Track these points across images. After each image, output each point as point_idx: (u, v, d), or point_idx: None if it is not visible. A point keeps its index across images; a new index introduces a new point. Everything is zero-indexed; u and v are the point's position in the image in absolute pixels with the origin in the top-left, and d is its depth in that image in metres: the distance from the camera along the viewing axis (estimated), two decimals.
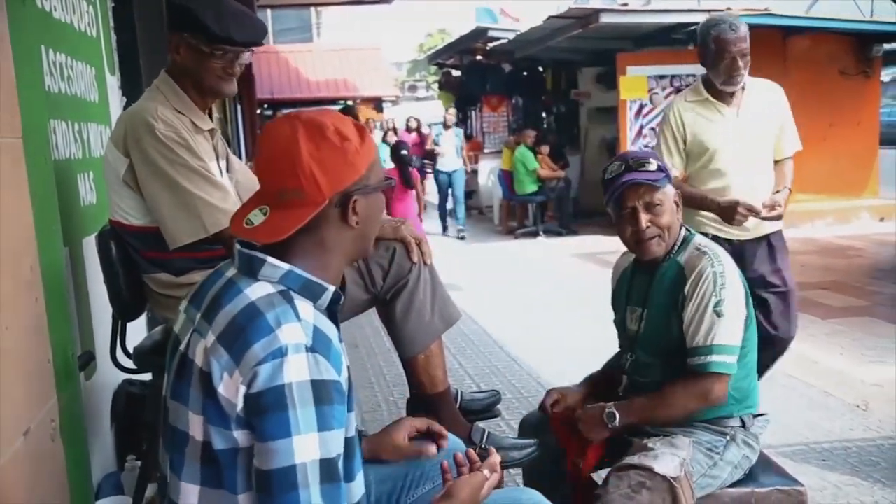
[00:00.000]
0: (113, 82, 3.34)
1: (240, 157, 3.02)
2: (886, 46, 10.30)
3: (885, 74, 10.80)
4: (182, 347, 1.38)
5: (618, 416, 2.09)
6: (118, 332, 2.41)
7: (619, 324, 2.34)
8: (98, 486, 2.48)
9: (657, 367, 2.18)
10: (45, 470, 1.71)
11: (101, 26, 3.15)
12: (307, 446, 1.24)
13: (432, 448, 1.70)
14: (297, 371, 1.24)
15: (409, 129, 15.04)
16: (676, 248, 2.17)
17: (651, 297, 2.19)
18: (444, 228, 11.59)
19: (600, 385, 2.37)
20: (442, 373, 2.34)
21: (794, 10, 10.12)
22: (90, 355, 2.44)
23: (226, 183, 2.29)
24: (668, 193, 2.14)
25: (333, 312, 1.40)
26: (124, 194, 2.20)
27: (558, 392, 2.32)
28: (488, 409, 2.54)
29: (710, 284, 2.05)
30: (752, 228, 3.17)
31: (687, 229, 2.23)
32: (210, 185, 2.16)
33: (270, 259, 1.35)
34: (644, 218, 2.12)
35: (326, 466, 1.26)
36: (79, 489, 1.90)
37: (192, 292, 1.46)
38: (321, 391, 1.26)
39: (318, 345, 1.29)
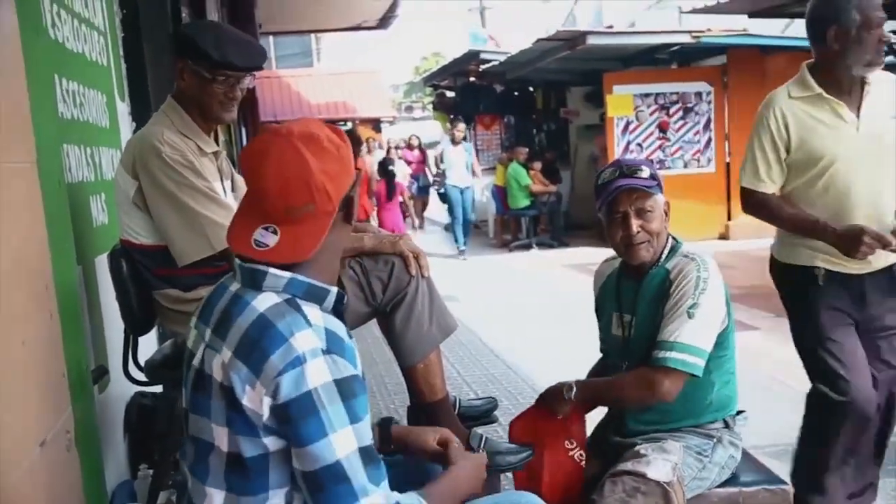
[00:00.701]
0: (123, 108, 3.44)
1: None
2: None
3: None
4: (196, 363, 1.43)
5: (575, 388, 2.15)
6: (130, 347, 2.49)
7: (604, 329, 2.38)
8: (112, 494, 2.54)
9: None
10: (61, 479, 1.77)
11: (112, 55, 3.26)
12: (345, 440, 1.32)
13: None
14: (318, 375, 1.31)
15: (410, 147, 15.59)
16: (664, 256, 2.20)
17: (639, 304, 2.21)
18: (462, 252, 10.63)
19: None
20: (440, 381, 2.41)
21: (771, 29, 10.37)
22: (103, 369, 2.52)
23: (230, 202, 2.38)
24: (658, 201, 2.18)
25: (339, 312, 1.45)
26: (134, 215, 2.28)
27: None
28: (485, 415, 2.60)
29: (691, 287, 2.08)
30: (875, 259, 2.45)
31: (674, 238, 2.26)
32: (215, 204, 2.24)
33: (272, 270, 1.38)
34: (635, 223, 2.14)
35: (365, 452, 1.34)
36: (93, 496, 1.97)
37: (200, 308, 1.50)
38: (345, 388, 1.33)
39: (333, 345, 1.35)
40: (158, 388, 2.61)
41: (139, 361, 2.51)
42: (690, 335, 2.06)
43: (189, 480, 1.46)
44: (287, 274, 1.39)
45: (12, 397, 1.51)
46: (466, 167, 10.73)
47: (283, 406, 1.30)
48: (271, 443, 1.34)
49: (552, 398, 2.22)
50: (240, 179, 2.60)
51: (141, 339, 2.56)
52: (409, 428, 1.87)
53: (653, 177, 2.18)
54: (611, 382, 2.22)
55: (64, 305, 1.86)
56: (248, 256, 1.40)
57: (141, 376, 2.48)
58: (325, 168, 1.37)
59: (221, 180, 2.41)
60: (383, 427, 1.82)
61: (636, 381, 2.12)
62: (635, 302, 2.23)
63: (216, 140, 2.54)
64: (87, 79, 2.79)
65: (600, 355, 2.51)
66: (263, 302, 1.37)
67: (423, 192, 14.86)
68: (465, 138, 11.15)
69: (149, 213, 2.26)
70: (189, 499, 1.46)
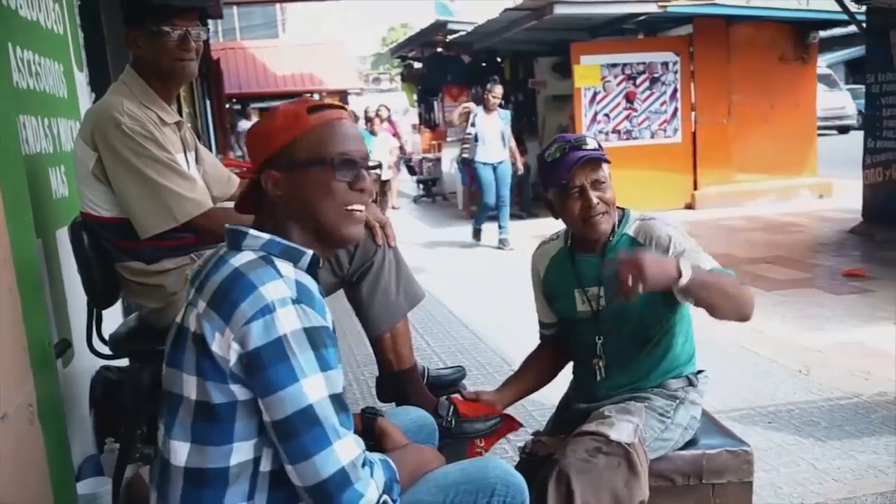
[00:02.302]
0: (81, 78, 3.37)
1: (210, 150, 3.06)
2: (822, 33, 10.91)
3: (822, 60, 11.30)
4: (179, 319, 1.47)
5: (683, 265, 1.89)
6: (94, 320, 2.47)
7: (566, 309, 2.32)
8: (79, 468, 2.53)
9: (629, 335, 2.20)
10: (24, 452, 1.75)
11: (68, 23, 3.18)
12: (316, 386, 1.34)
13: None
14: (288, 322, 1.33)
15: (380, 119, 13.79)
16: (617, 224, 2.20)
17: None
18: (477, 234, 8.96)
19: (529, 381, 2.43)
20: (408, 350, 2.42)
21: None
22: (67, 343, 2.49)
23: (194, 174, 2.35)
24: (607, 170, 2.16)
25: (314, 273, 1.49)
26: (94, 187, 2.25)
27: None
28: (454, 383, 2.62)
29: (667, 240, 2.10)
30: None
31: (620, 208, 2.24)
32: (177, 175, 2.22)
33: (252, 231, 1.46)
34: (594, 195, 2.11)
35: (336, 399, 1.37)
36: (59, 470, 1.96)
37: (194, 273, 1.55)
38: (315, 337, 1.35)
39: (303, 296, 1.38)
40: (124, 362, 2.59)
41: (103, 335, 2.49)
42: (702, 262, 2.04)
43: (161, 437, 1.47)
44: (266, 235, 1.46)
45: None
46: (503, 140, 8.63)
47: (253, 353, 1.32)
48: (239, 391, 1.36)
49: (658, 267, 1.86)
50: (205, 151, 2.58)
51: (105, 313, 2.53)
52: (393, 430, 1.82)
53: (599, 146, 2.17)
54: (724, 280, 1.99)
55: (23, 279, 1.83)
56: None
57: (106, 350, 2.47)
58: (254, 130, 1.55)
59: (185, 151, 2.38)
60: (367, 418, 1.81)
61: (743, 287, 2.02)
62: (600, 272, 2.21)
63: (179, 112, 2.50)
64: (42, 48, 2.73)
65: (544, 336, 2.49)
66: (240, 259, 1.42)
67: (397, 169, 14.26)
68: (501, 104, 8.82)
69: (109, 186, 2.23)
70: (160, 456, 1.47)
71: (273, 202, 1.50)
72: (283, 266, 1.42)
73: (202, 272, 1.49)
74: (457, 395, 2.36)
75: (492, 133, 8.52)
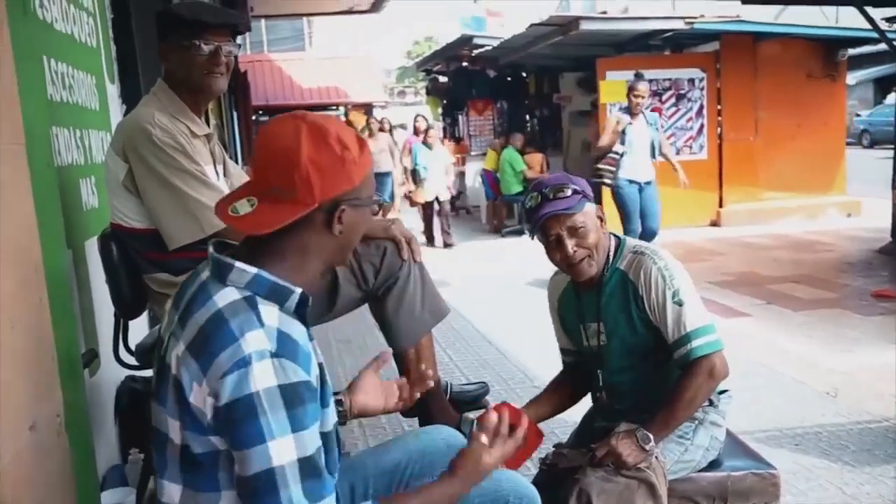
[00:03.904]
0: (113, 90, 3.42)
1: (236, 162, 3.09)
2: (851, 51, 10.80)
3: (851, 78, 11.17)
4: (161, 351, 1.41)
5: (651, 436, 2.04)
6: (120, 331, 2.49)
7: (576, 342, 2.36)
8: (103, 478, 2.54)
9: (630, 370, 2.22)
10: (51, 463, 1.76)
11: (101, 37, 3.23)
12: (283, 449, 1.27)
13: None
14: (262, 378, 1.26)
15: (416, 131, 12.37)
16: (612, 257, 2.20)
17: (605, 309, 2.21)
18: None
19: (548, 406, 2.42)
20: (432, 365, 2.42)
21: (764, 16, 10.48)
22: (93, 353, 2.51)
23: (222, 186, 2.37)
24: (588, 213, 2.15)
25: (302, 314, 1.40)
26: (124, 198, 2.27)
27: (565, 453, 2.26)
28: (477, 399, 2.61)
29: (660, 279, 2.09)
30: None
31: (616, 237, 2.25)
32: (206, 187, 2.23)
33: (238, 264, 1.36)
34: (570, 243, 2.13)
35: (305, 464, 1.28)
36: (84, 480, 1.97)
37: (176, 293, 1.49)
38: (290, 394, 1.28)
39: (283, 348, 1.30)
40: (149, 373, 2.60)
41: (130, 345, 2.51)
42: (695, 318, 2.08)
43: (156, 473, 1.44)
44: (253, 270, 1.36)
45: (1, 382, 1.50)
46: (653, 150, 6.65)
47: (225, 407, 1.27)
48: (218, 442, 1.31)
49: (629, 450, 2.03)
50: (232, 164, 2.59)
51: (132, 323, 2.55)
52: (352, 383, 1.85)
53: (576, 191, 2.15)
54: (674, 406, 2.07)
55: (53, 289, 1.85)
56: (218, 242, 1.42)
57: (131, 360, 2.48)
58: (317, 158, 1.34)
59: (214, 164, 2.40)
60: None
61: (694, 384, 2.05)
62: (599, 309, 2.23)
63: (208, 124, 2.52)
64: (76, 60, 2.76)
65: (565, 363, 2.50)
66: (224, 297, 1.34)
67: None
68: (651, 108, 7.15)
69: (139, 197, 2.25)
70: (157, 496, 1.44)
71: (318, 236, 1.40)
72: (267, 311, 1.33)
73: (184, 296, 1.42)
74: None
75: (639, 144, 6.56)
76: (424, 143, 10.63)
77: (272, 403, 1.26)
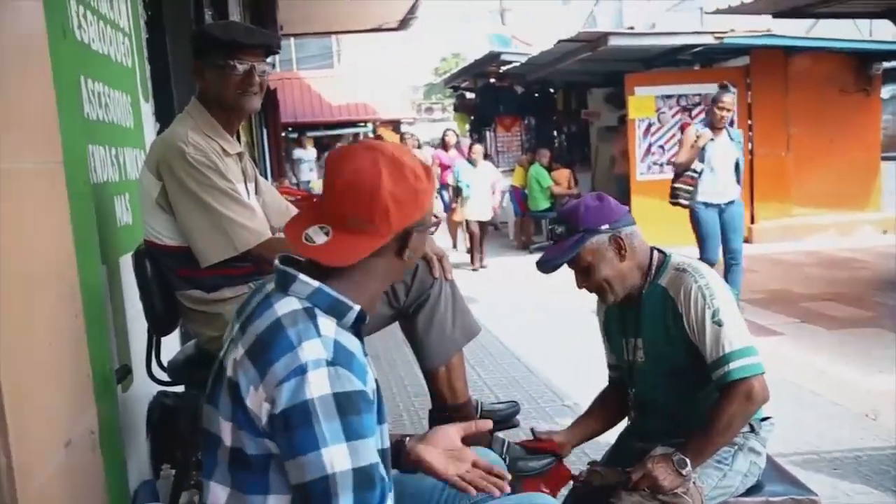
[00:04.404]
0: (147, 109, 3.46)
1: (266, 179, 3.11)
2: (886, 64, 10.58)
3: (885, 91, 10.96)
4: (222, 354, 1.45)
5: (688, 461, 2.00)
6: (153, 347, 2.50)
7: (617, 354, 2.35)
8: (134, 493, 2.55)
9: (664, 388, 2.20)
10: (86, 479, 1.77)
11: (136, 56, 3.28)
12: (338, 457, 1.27)
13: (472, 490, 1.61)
14: (318, 386, 1.28)
15: (445, 146, 11.55)
16: (654, 272, 2.18)
17: (643, 325, 2.20)
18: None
19: (596, 423, 2.40)
20: (463, 384, 2.41)
21: (795, 30, 10.34)
22: (127, 369, 2.53)
23: (253, 204, 2.38)
24: (596, 248, 2.12)
25: (358, 330, 1.43)
26: (158, 215, 2.29)
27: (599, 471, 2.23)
28: (508, 419, 2.59)
29: (700, 298, 2.06)
30: None
31: (661, 252, 2.22)
32: (238, 205, 2.24)
33: (301, 276, 1.39)
34: (578, 279, 2.18)
35: (361, 473, 1.29)
36: (116, 496, 1.98)
37: (241, 303, 1.52)
38: (345, 403, 1.29)
39: (339, 358, 1.32)
40: (181, 388, 2.62)
41: (162, 361, 2.52)
42: (735, 339, 2.03)
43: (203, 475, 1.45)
44: (315, 283, 1.39)
45: (38, 398, 1.52)
46: (737, 170, 6.02)
47: (280, 415, 1.29)
48: (272, 445, 1.33)
49: (665, 475, 2.00)
50: (263, 182, 2.61)
51: (164, 340, 2.57)
52: (423, 435, 1.72)
53: (574, 230, 2.12)
54: (711, 431, 2.03)
55: (89, 306, 1.87)
56: (294, 249, 1.43)
57: (164, 376, 2.50)
58: (395, 192, 1.38)
59: (245, 182, 2.41)
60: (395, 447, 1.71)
61: (731, 409, 2.01)
62: (638, 324, 2.22)
63: (238, 141, 2.54)
64: (112, 80, 2.81)
65: (611, 377, 2.48)
66: (284, 307, 1.37)
67: None
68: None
69: (172, 214, 2.27)
70: (202, 497, 1.46)
71: (386, 261, 1.44)
72: (325, 323, 1.36)
73: (247, 308, 1.45)
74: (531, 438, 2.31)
75: (721, 162, 5.91)
76: (468, 159, 10.00)
77: (326, 411, 1.28)
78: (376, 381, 1.42)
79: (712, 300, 2.06)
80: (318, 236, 1.39)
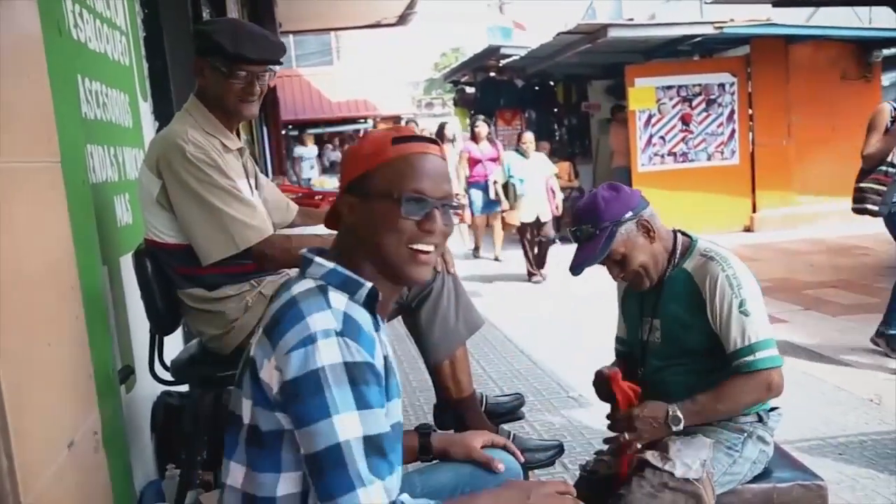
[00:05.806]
0: (145, 108, 3.45)
1: (266, 176, 3.10)
2: (886, 51, 10.56)
3: (885, 79, 10.92)
4: (252, 340, 1.47)
5: (682, 419, 2.03)
6: (156, 346, 2.49)
7: (630, 331, 2.34)
8: (140, 493, 2.55)
9: (674, 372, 2.18)
10: (90, 480, 1.76)
11: (134, 55, 3.27)
12: (349, 424, 1.29)
13: (501, 464, 1.72)
14: (328, 355, 1.30)
15: (475, 137, 9.44)
16: (679, 256, 2.18)
17: (663, 307, 2.19)
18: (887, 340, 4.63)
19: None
20: (467, 378, 2.40)
21: (796, 18, 10.30)
22: (129, 369, 2.52)
23: (255, 200, 2.37)
24: (627, 237, 2.11)
25: (371, 307, 1.44)
26: (158, 214, 2.28)
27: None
28: (512, 411, 2.59)
29: (727, 288, 2.05)
30: None
31: (687, 235, 2.22)
32: (239, 202, 2.23)
33: (318, 259, 1.46)
34: (615, 272, 2.18)
35: (371, 441, 1.30)
36: (121, 497, 1.97)
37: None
38: (354, 372, 1.31)
39: (348, 329, 1.35)
40: (184, 388, 2.62)
41: (165, 361, 2.52)
42: (761, 331, 2.04)
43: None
44: (330, 264, 1.45)
45: (40, 399, 1.51)
46: None
47: (290, 383, 1.31)
48: (284, 420, 1.34)
49: (649, 424, 2.05)
50: (263, 178, 2.60)
51: (167, 339, 2.56)
52: (451, 436, 1.86)
53: (599, 226, 2.11)
54: (718, 398, 2.05)
55: (90, 306, 1.86)
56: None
57: (167, 376, 2.49)
58: (348, 151, 1.56)
59: (246, 178, 2.40)
60: (423, 434, 1.80)
61: (747, 389, 2.04)
62: (657, 305, 2.21)
63: (238, 137, 2.53)
64: (109, 79, 2.80)
65: (618, 351, 2.46)
66: (299, 287, 1.42)
67: (492, 205, 8.98)
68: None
69: (173, 212, 2.26)
70: (221, 479, 1.48)
71: (347, 226, 1.50)
72: (336, 297, 1.40)
73: (276, 295, 1.52)
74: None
75: None
76: (517, 150, 8.25)
77: (337, 378, 1.30)
78: (386, 358, 1.43)
79: (739, 290, 2.05)
80: None
